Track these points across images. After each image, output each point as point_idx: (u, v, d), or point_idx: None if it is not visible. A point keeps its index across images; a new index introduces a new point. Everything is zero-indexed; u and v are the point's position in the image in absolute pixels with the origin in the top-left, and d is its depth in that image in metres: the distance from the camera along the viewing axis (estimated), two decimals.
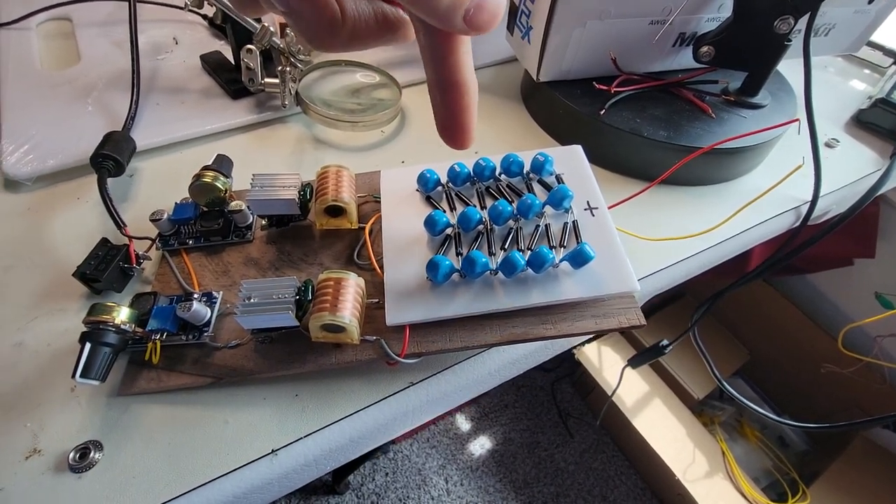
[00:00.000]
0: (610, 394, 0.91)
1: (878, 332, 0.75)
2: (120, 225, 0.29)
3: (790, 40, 0.35)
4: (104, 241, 0.28)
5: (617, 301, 0.25)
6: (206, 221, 0.29)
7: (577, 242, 0.25)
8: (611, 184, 0.37)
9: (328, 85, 0.41)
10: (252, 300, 0.23)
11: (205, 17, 0.47)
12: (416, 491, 1.02)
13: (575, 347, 1.03)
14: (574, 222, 0.26)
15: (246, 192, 0.28)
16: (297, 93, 0.38)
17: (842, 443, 0.92)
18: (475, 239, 0.26)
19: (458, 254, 0.26)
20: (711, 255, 0.35)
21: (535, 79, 0.39)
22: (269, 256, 0.28)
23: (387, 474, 1.04)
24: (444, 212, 0.27)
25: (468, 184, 0.29)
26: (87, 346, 0.22)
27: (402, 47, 0.45)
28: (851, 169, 0.42)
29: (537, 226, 0.26)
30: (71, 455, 0.22)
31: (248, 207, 0.29)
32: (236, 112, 0.39)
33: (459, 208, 0.28)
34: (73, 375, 0.22)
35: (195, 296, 0.26)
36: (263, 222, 0.29)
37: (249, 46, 0.37)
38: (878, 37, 0.55)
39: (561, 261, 0.24)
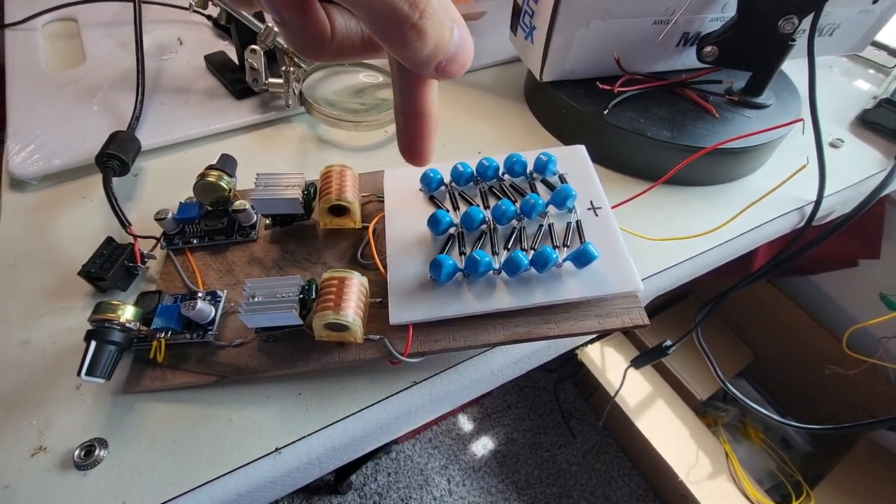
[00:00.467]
0: (613, 394, 0.90)
1: (882, 333, 0.75)
2: (125, 224, 0.29)
3: (794, 40, 0.35)
4: (109, 240, 0.28)
5: (620, 301, 0.25)
6: (210, 221, 0.29)
7: (581, 242, 0.25)
8: (614, 184, 0.37)
9: (332, 85, 0.41)
10: (256, 299, 0.23)
11: (209, 17, 0.47)
12: (419, 491, 1.02)
13: (578, 348, 1.03)
14: (577, 222, 0.26)
15: (250, 192, 0.28)
16: (300, 93, 0.38)
17: (846, 445, 0.91)
18: (478, 238, 0.26)
19: (461, 253, 0.26)
20: (715, 256, 0.35)
21: (538, 79, 0.39)
22: (272, 255, 0.29)
23: (389, 474, 1.04)
24: (448, 211, 0.27)
25: (471, 183, 0.29)
26: (93, 344, 0.22)
27: None
28: (856, 169, 0.42)
29: (540, 225, 0.26)
30: (76, 452, 0.22)
31: (252, 207, 0.29)
32: (240, 112, 0.39)
33: (463, 208, 0.28)
34: (79, 373, 0.22)
35: (199, 294, 0.26)
36: (267, 221, 0.29)
37: (253, 46, 0.37)
38: (882, 37, 0.55)
39: (564, 260, 0.24)
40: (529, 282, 0.24)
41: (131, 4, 0.41)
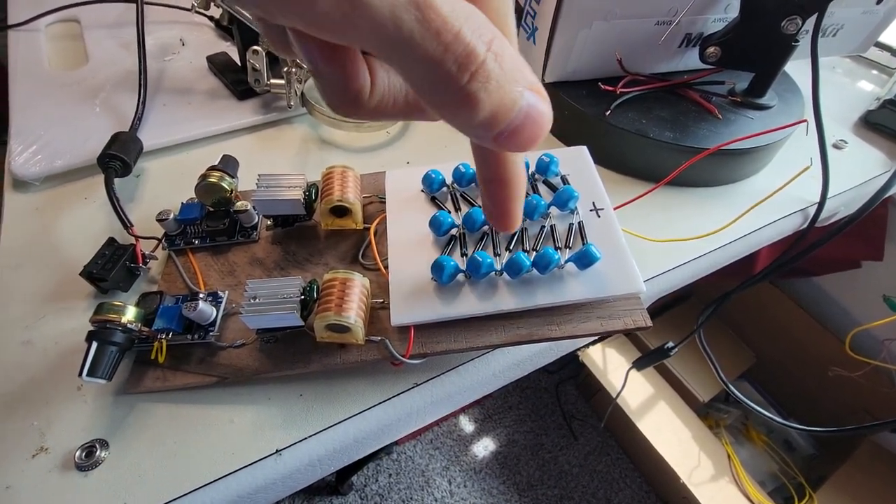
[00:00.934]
0: (614, 396, 0.90)
1: (886, 335, 0.74)
2: (126, 225, 0.29)
3: (798, 41, 0.35)
4: (111, 240, 0.28)
5: (623, 302, 0.25)
6: (211, 221, 0.29)
7: (583, 243, 0.25)
8: (616, 185, 0.37)
9: None
10: (257, 300, 0.23)
11: (211, 18, 0.47)
12: (420, 492, 1.02)
13: (579, 349, 1.03)
14: (580, 223, 0.26)
15: (252, 193, 0.28)
16: (302, 94, 0.38)
17: (849, 447, 0.91)
18: (480, 239, 0.26)
19: (462, 254, 0.26)
20: (718, 257, 0.35)
21: (540, 79, 0.39)
22: (274, 256, 0.29)
23: (390, 475, 1.04)
24: (449, 212, 0.27)
25: (473, 184, 0.29)
26: (94, 344, 0.22)
27: None
28: (860, 170, 0.42)
29: (542, 226, 0.26)
30: (77, 453, 0.22)
31: (253, 207, 0.29)
32: (242, 113, 0.39)
33: (464, 209, 0.28)
34: (80, 374, 0.22)
35: (201, 295, 0.26)
36: (269, 222, 0.29)
37: (256, 48, 0.37)
38: (886, 37, 0.54)
39: (566, 262, 0.24)
40: (531, 283, 0.24)
41: (133, 5, 0.41)
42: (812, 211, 0.37)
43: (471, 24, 0.10)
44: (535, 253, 0.24)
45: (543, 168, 0.28)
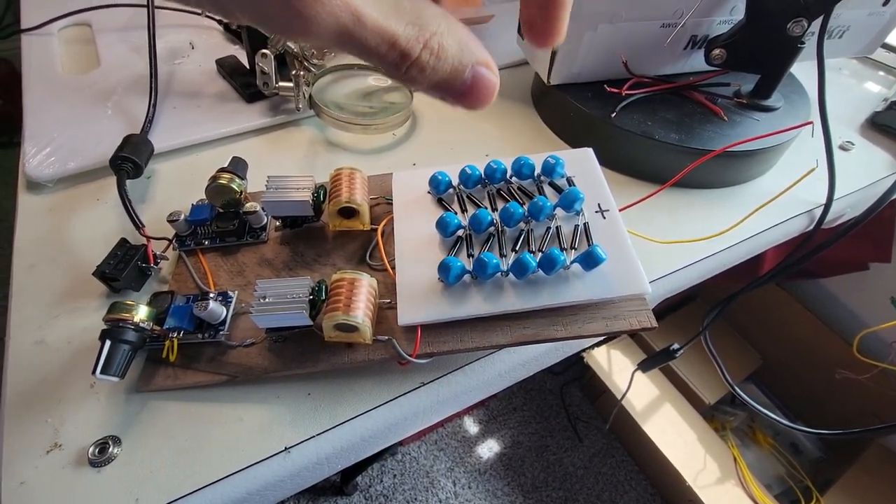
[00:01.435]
0: (619, 398, 0.90)
1: (894, 337, 0.74)
2: (138, 225, 0.30)
3: (803, 42, 0.35)
4: (123, 241, 0.29)
5: (628, 303, 0.25)
6: (221, 222, 0.29)
7: (589, 245, 0.25)
8: (622, 187, 0.37)
9: (341, 88, 0.41)
10: (267, 299, 0.23)
11: (220, 22, 0.48)
12: (424, 493, 1.02)
13: (584, 351, 1.03)
14: (585, 224, 0.26)
15: (261, 194, 0.28)
16: (310, 96, 0.38)
17: (856, 450, 0.90)
18: (486, 241, 0.26)
19: (469, 255, 0.26)
20: (723, 259, 0.35)
21: (545, 82, 0.39)
22: (282, 257, 0.29)
23: (395, 476, 1.04)
24: (456, 214, 0.27)
25: (479, 186, 0.29)
26: (107, 343, 0.23)
27: None
28: (867, 172, 0.42)
29: (548, 228, 0.26)
30: (90, 450, 0.23)
31: (262, 209, 0.29)
32: (251, 115, 0.39)
33: (471, 210, 0.28)
34: (94, 372, 0.22)
35: (211, 295, 0.26)
36: (277, 223, 0.30)
37: (264, 51, 0.37)
38: (892, 39, 0.54)
39: (572, 262, 0.24)
40: (537, 284, 0.24)
41: (144, 10, 0.42)
42: (818, 213, 0.37)
43: (409, 29, 0.13)
44: (540, 254, 0.24)
45: (549, 170, 0.28)
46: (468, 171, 0.29)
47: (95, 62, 0.44)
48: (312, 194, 0.28)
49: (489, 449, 1.10)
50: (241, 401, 0.25)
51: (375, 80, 0.42)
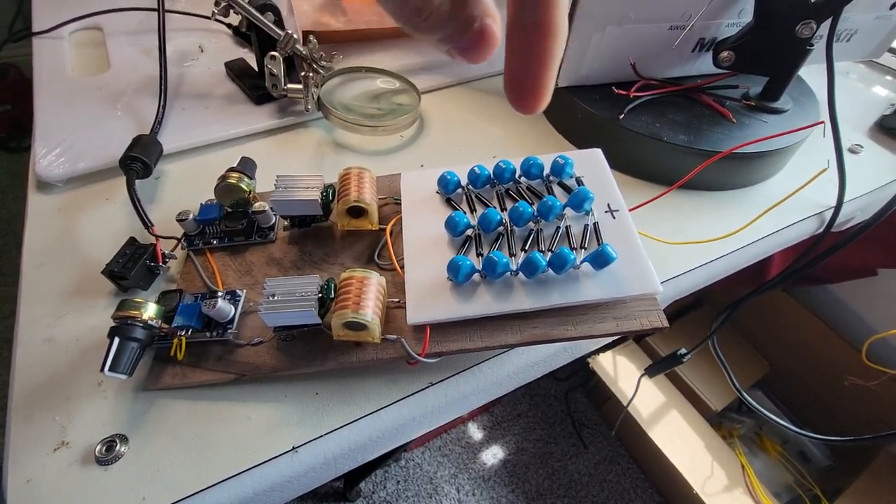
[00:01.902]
0: (625, 404, 0.89)
1: None
2: (147, 225, 0.30)
3: (812, 45, 0.35)
4: (132, 240, 0.29)
5: (638, 303, 0.24)
6: (230, 222, 0.30)
7: (598, 244, 0.25)
8: (630, 188, 0.37)
9: (349, 90, 0.41)
10: (275, 298, 0.23)
11: (230, 25, 0.48)
12: (428, 500, 1.01)
13: (590, 356, 1.02)
14: (595, 224, 0.26)
15: (269, 194, 0.28)
16: (318, 98, 0.39)
17: (866, 458, 0.89)
18: (495, 240, 0.26)
19: (478, 254, 0.26)
20: (732, 261, 0.35)
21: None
22: (291, 256, 0.29)
23: (398, 482, 1.04)
24: (465, 213, 0.27)
25: (488, 186, 0.29)
26: (116, 340, 0.23)
27: (422, 54, 0.46)
28: (876, 175, 0.42)
29: (558, 227, 0.26)
30: (98, 448, 0.23)
31: (271, 208, 0.29)
32: (259, 117, 0.40)
33: (479, 210, 0.28)
34: (102, 369, 0.22)
35: (220, 294, 0.26)
36: (286, 223, 0.30)
37: (273, 53, 0.37)
38: None
39: (582, 262, 0.24)
40: (547, 283, 0.24)
41: (155, 14, 0.42)
42: (828, 215, 0.37)
43: None
44: (550, 253, 0.24)
45: (558, 170, 0.28)
46: (477, 170, 0.28)
47: (106, 65, 0.44)
48: (321, 193, 0.28)
49: (493, 455, 1.09)
50: (248, 400, 0.25)
51: (383, 83, 0.42)
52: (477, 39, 0.14)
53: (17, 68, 1.46)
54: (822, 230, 0.38)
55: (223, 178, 0.29)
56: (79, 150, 0.35)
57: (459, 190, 0.29)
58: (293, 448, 0.23)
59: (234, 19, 0.46)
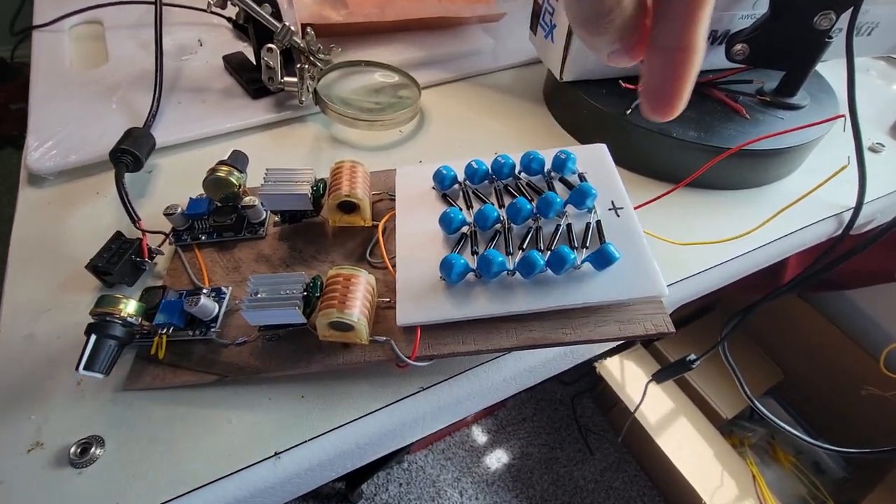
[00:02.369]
0: (633, 410, 0.87)
1: None
2: (134, 219, 0.29)
3: (831, 37, 0.33)
4: (118, 234, 0.28)
5: (643, 306, 0.23)
6: (219, 217, 0.29)
7: (601, 243, 0.24)
8: (637, 186, 0.36)
9: (347, 84, 0.40)
10: (259, 295, 0.22)
11: (229, 19, 0.48)
12: (430, 503, 1.00)
13: (596, 360, 1.00)
14: (597, 222, 0.25)
15: (259, 188, 0.27)
16: (315, 91, 0.38)
17: (882, 470, 0.86)
18: (492, 238, 0.25)
19: (473, 253, 0.24)
20: (744, 263, 0.33)
21: (558, 78, 0.38)
22: (280, 253, 0.28)
23: (401, 485, 1.02)
24: (461, 209, 0.26)
25: (486, 182, 0.28)
26: (93, 337, 0.22)
27: (423, 48, 0.45)
28: None
29: (558, 225, 0.25)
30: (72, 450, 0.22)
31: (261, 203, 0.28)
32: (256, 111, 0.39)
33: (476, 206, 0.26)
34: (77, 367, 0.21)
35: (204, 291, 0.25)
36: (276, 219, 0.29)
37: (270, 45, 0.36)
38: None
39: (583, 261, 0.23)
40: (545, 284, 0.23)
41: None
42: (847, 216, 0.35)
43: None
44: (549, 252, 0.23)
45: (560, 165, 0.27)
46: (475, 165, 0.27)
47: (104, 58, 0.44)
48: (312, 188, 0.27)
49: (497, 459, 1.07)
50: (231, 402, 0.24)
51: (383, 77, 0.41)
52: (639, 40, 0.15)
53: (28, 67, 1.48)
54: (840, 232, 0.36)
55: (212, 171, 0.28)
56: (71, 144, 0.35)
57: (456, 185, 0.28)
58: (275, 454, 0.22)
59: (232, 12, 0.46)
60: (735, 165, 0.34)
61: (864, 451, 0.45)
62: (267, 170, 0.27)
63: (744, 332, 1.05)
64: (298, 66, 0.36)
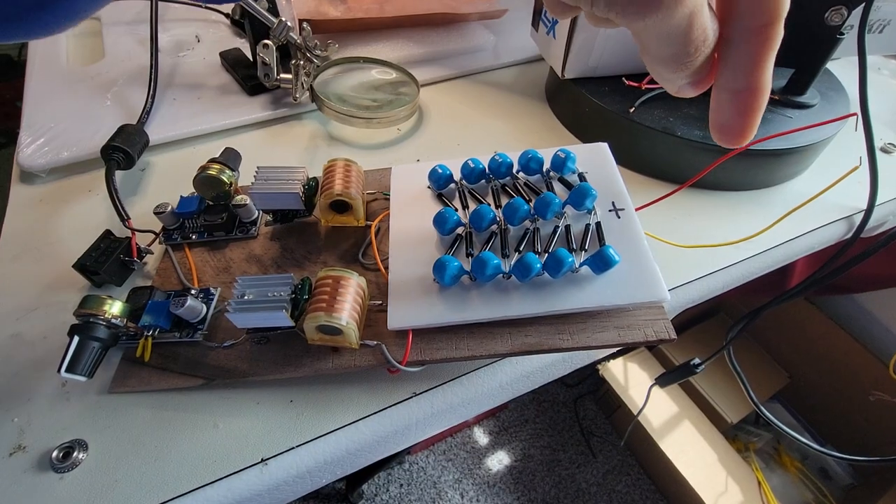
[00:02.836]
0: (636, 413, 0.86)
1: None
2: (123, 217, 0.28)
3: (843, 34, 0.32)
4: (107, 233, 0.27)
5: (644, 311, 0.22)
6: (210, 215, 0.28)
7: (600, 245, 0.23)
8: (640, 187, 0.35)
9: (345, 81, 0.40)
10: (247, 297, 0.21)
11: (227, 15, 0.47)
12: None
13: (599, 363, 0.99)
14: (597, 224, 0.24)
15: (250, 186, 0.27)
16: (312, 88, 0.37)
17: (890, 477, 0.84)
18: (488, 239, 0.24)
19: (468, 254, 0.24)
20: (751, 267, 0.32)
21: (560, 76, 0.37)
22: (272, 253, 0.27)
23: (401, 486, 1.02)
24: (456, 210, 0.25)
25: (483, 181, 0.27)
26: (75, 339, 0.21)
27: (423, 45, 0.44)
28: None
29: (556, 227, 0.24)
30: (54, 454, 0.21)
31: (252, 202, 0.28)
32: (251, 108, 0.38)
33: (473, 206, 0.26)
34: (59, 370, 0.21)
35: (193, 292, 0.25)
36: (268, 218, 0.28)
37: (266, 41, 0.36)
38: None
39: (581, 264, 0.22)
40: (542, 287, 0.22)
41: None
42: (858, 219, 0.34)
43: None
44: (546, 254, 0.22)
45: (559, 164, 0.26)
46: (471, 164, 0.26)
47: (101, 54, 0.43)
48: (303, 186, 0.26)
49: (499, 461, 1.06)
50: (217, 406, 0.23)
51: (381, 74, 0.40)
52: (709, 74, 0.16)
53: None
54: (850, 235, 0.35)
55: (203, 169, 0.27)
56: (64, 140, 0.34)
57: (452, 185, 0.27)
58: (262, 460, 0.22)
59: (229, 7, 0.45)
60: (742, 165, 0.33)
61: (872, 459, 0.44)
62: (258, 168, 0.27)
63: (749, 335, 1.03)
64: (293, 62, 0.36)
